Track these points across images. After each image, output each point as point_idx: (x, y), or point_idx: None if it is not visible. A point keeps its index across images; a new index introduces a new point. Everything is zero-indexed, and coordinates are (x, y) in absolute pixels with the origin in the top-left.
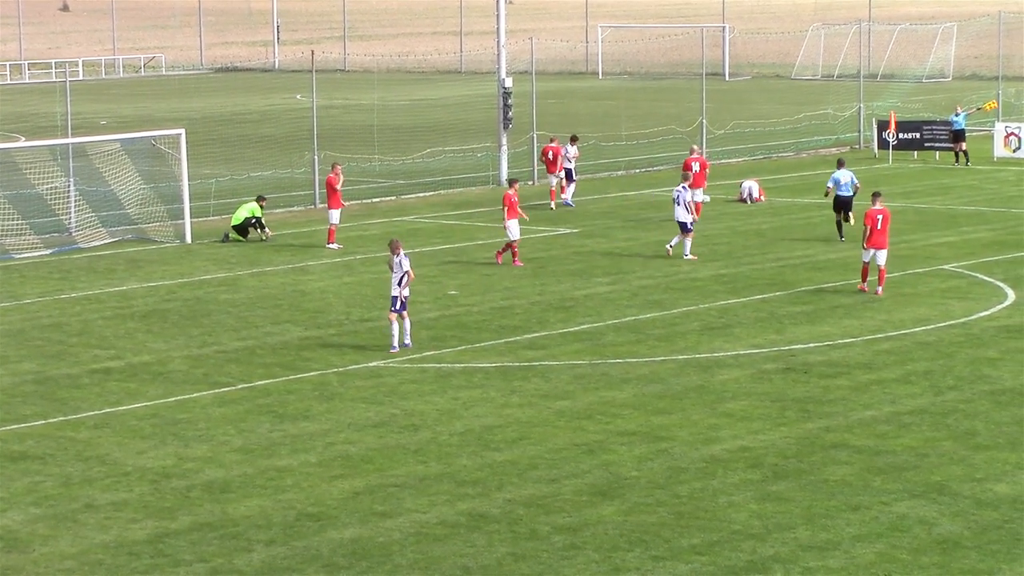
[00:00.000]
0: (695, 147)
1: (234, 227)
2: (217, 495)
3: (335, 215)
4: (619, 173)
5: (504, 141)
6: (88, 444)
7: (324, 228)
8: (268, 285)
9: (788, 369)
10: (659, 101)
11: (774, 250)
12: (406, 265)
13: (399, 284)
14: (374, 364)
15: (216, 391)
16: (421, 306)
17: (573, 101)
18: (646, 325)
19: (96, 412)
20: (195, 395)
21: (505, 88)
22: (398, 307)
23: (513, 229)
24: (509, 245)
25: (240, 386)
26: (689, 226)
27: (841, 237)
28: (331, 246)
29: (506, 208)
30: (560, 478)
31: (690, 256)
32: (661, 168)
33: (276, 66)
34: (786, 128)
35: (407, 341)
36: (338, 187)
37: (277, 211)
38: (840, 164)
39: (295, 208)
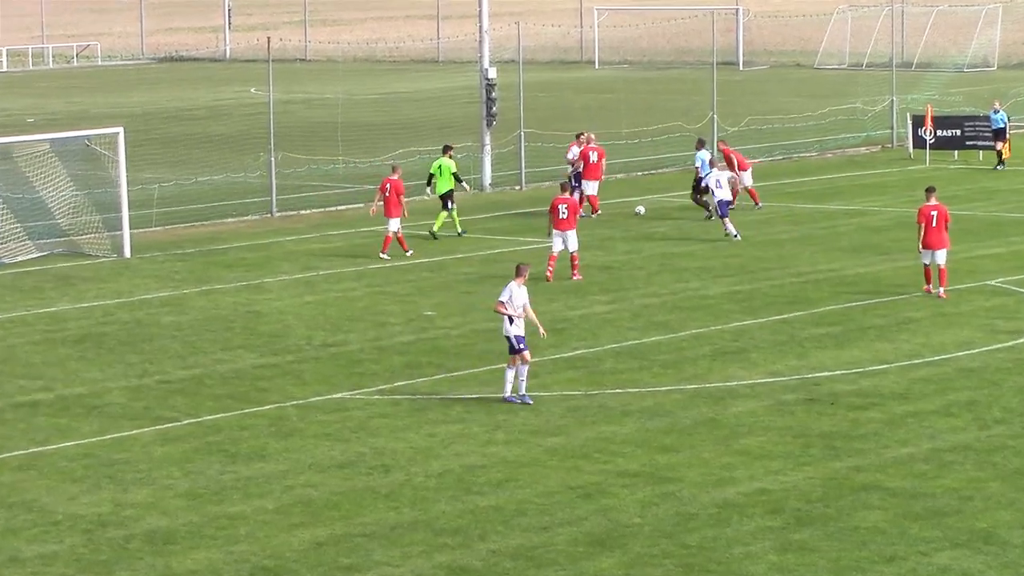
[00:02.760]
0: (591, 135)
1: (442, 196)
2: (160, 547)
3: (395, 224)
4: (618, 176)
5: (487, 140)
6: (12, 488)
7: (283, 240)
8: (218, 305)
9: (812, 400)
10: (664, 94)
11: (795, 263)
12: (525, 297)
13: (512, 322)
14: (339, 396)
15: (159, 427)
16: (393, 328)
17: (566, 94)
18: (650, 350)
19: (21, 452)
20: (135, 432)
21: (488, 79)
22: (519, 347)
23: (569, 240)
24: (572, 259)
25: (186, 421)
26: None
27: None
28: (384, 255)
29: (556, 217)
30: (552, 526)
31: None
32: (666, 170)
33: (227, 55)
34: (808, 124)
35: (524, 393)
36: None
37: (228, 220)
38: (700, 145)
39: (249, 217)
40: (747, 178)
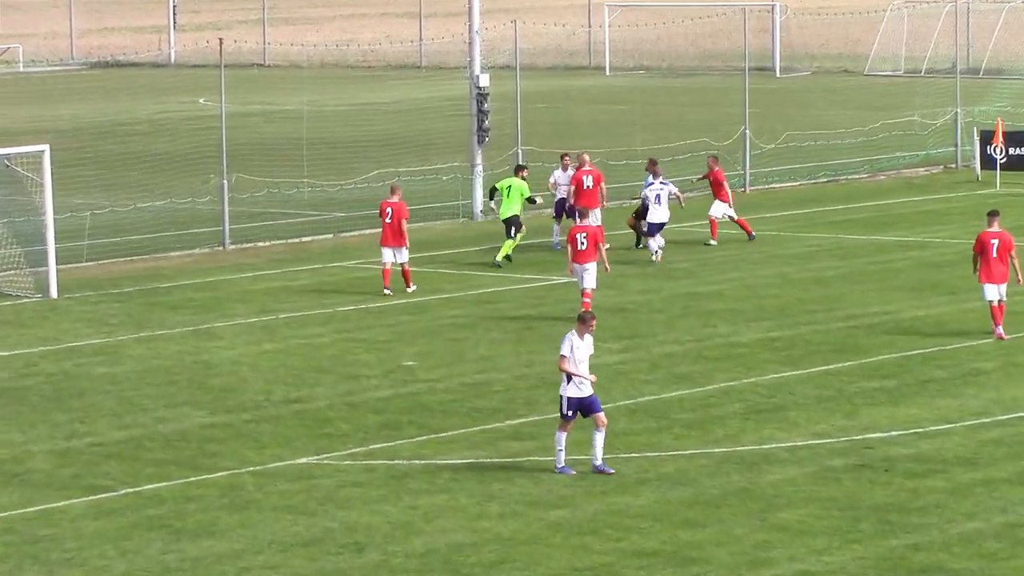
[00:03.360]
0: (584, 156)
1: (506, 221)
2: None
3: (403, 254)
4: (632, 202)
5: (478, 160)
6: None
7: (236, 277)
8: (160, 354)
9: (863, 466)
10: (687, 105)
11: (842, 305)
12: (590, 350)
13: (570, 380)
14: (304, 461)
15: (91, 498)
16: (367, 381)
17: (571, 105)
18: (671, 407)
19: None
20: (62, 503)
21: (480, 88)
22: (568, 414)
23: (587, 275)
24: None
25: (123, 491)
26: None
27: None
28: (410, 288)
29: (575, 248)
30: None
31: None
32: (690, 195)
33: (172, 59)
34: (858, 141)
35: (599, 462)
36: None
37: (173, 254)
38: (652, 165)
39: (197, 250)
40: (726, 209)
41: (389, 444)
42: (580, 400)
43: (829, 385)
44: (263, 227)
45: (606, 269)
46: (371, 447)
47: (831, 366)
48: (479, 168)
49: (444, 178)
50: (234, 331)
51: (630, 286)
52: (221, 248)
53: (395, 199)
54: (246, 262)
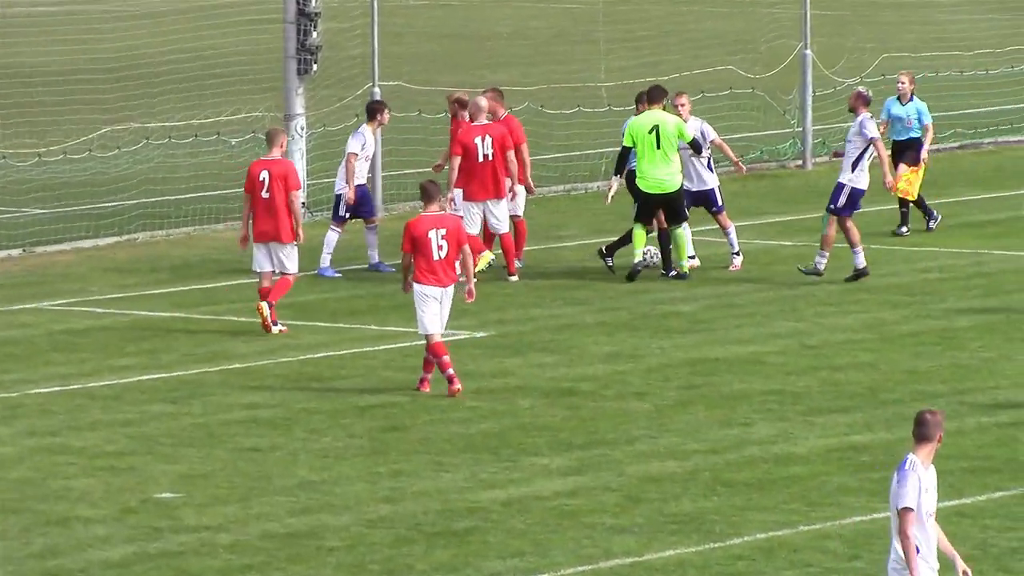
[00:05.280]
0: (495, 97)
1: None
2: None
3: (293, 253)
4: (592, 188)
5: (298, 105)
6: None
7: None
8: None
9: None
10: (684, 2)
11: (989, 385)
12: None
13: None
14: None
15: None
16: (85, 530)
17: (482, 9)
18: None
19: None
20: None
21: None
22: None
23: (444, 303)
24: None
25: None
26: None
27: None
28: (276, 328)
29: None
30: None
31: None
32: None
33: None
34: (1015, 72)
35: None
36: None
37: None
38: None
39: None
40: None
41: None
42: None
43: (969, 537)
44: None
45: (468, 293)
46: None
47: (969, 500)
48: (300, 121)
49: (233, 142)
50: None
51: (587, 344)
52: None
53: (275, 154)
54: None
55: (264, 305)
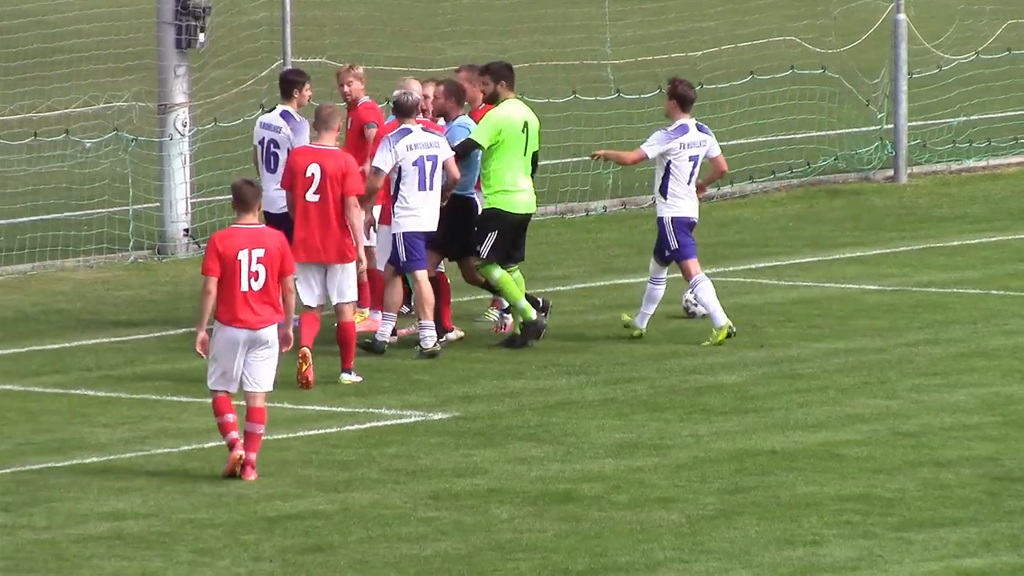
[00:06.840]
0: (430, 87)
1: None
2: None
3: (351, 276)
4: (594, 209)
5: (179, 93)
6: None
7: None
8: None
9: None
10: None
11: None
12: None
13: None
14: None
15: None
16: None
17: None
18: None
19: None
20: None
21: None
22: None
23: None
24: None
25: None
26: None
27: None
28: (350, 377)
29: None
30: None
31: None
32: (756, 187)
33: None
34: None
35: None
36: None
37: None
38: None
39: None
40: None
41: None
42: None
43: None
44: None
45: (283, 340)
46: None
47: None
48: (180, 114)
49: (88, 143)
50: None
51: (589, 430)
52: None
53: (329, 142)
54: None
55: (307, 350)
